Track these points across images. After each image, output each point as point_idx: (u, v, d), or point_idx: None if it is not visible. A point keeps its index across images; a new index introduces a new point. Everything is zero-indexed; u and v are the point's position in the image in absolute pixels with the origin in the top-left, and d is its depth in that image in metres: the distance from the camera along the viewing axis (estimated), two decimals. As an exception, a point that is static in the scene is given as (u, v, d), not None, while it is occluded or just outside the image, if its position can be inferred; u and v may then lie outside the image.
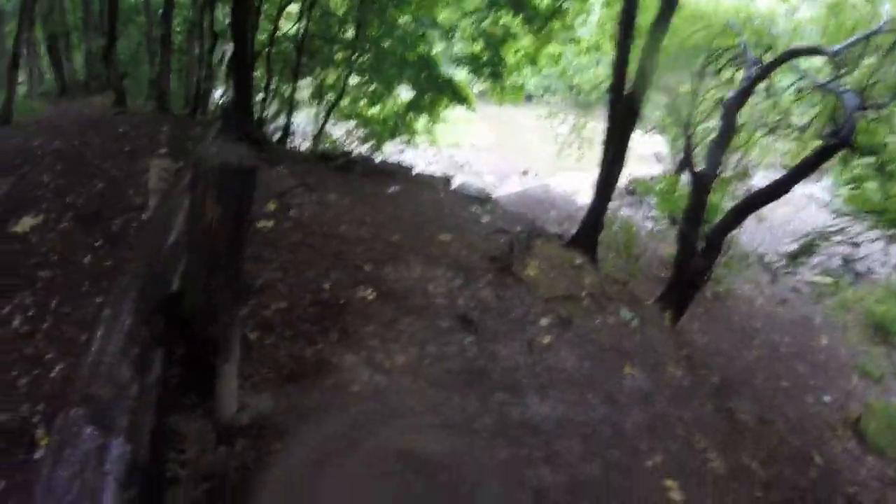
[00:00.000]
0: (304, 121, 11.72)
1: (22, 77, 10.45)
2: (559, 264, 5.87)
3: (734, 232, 7.51)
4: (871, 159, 6.82)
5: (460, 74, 11.09)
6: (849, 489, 5.63)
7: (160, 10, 9.29)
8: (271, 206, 5.41)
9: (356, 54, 10.18)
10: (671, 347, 5.39)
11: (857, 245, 12.46)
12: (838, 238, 8.49)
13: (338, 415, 3.08)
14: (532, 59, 11.40)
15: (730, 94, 7.35)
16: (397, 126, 11.39)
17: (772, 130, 9.08)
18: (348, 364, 3.55)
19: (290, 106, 10.47)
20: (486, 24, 10.15)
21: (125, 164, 5.78)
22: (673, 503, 3.37)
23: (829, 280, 11.39)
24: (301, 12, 9.87)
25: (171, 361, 2.52)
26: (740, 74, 7.82)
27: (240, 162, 2.47)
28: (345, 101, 11.24)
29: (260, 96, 9.99)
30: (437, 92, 10.60)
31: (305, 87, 11.09)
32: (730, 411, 5.11)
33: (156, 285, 2.78)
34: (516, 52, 11.07)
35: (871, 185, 7.74)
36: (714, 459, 3.90)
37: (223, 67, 10.23)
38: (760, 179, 10.98)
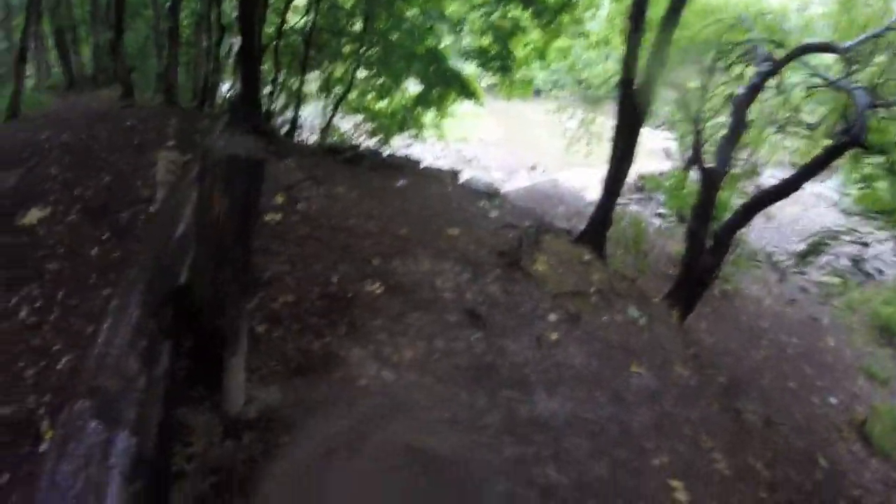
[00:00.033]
0: (311, 114, 11.69)
1: (30, 70, 10.52)
2: (567, 260, 5.84)
3: (742, 230, 7.46)
4: (881, 158, 6.73)
5: (469, 68, 11.02)
6: (853, 492, 5.62)
7: (168, 4, 9.27)
8: (279, 199, 5.40)
9: (364, 47, 10.18)
10: (679, 346, 5.35)
11: (866, 245, 12.42)
12: (847, 238, 8.43)
13: (345, 408, 3.07)
14: (541, 54, 11.36)
15: (740, 90, 7.27)
16: (405, 120, 11.37)
17: (781, 128, 8.98)
18: (356, 358, 3.54)
19: (298, 99, 10.44)
20: (494, 17, 10.08)
21: (133, 157, 5.79)
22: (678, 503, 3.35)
23: (837, 280, 11.35)
24: (309, 5, 9.84)
25: (178, 354, 2.52)
26: (750, 70, 7.74)
27: (247, 155, 2.47)
28: (353, 95, 11.21)
29: (268, 89, 9.99)
30: (445, 86, 10.58)
31: (313, 80, 11.12)
32: (737, 411, 5.09)
33: (163, 278, 2.78)
34: (525, 45, 11.01)
35: (882, 185, 7.68)
36: (720, 460, 3.87)
37: (231, 60, 10.21)
38: (768, 178, 10.95)
